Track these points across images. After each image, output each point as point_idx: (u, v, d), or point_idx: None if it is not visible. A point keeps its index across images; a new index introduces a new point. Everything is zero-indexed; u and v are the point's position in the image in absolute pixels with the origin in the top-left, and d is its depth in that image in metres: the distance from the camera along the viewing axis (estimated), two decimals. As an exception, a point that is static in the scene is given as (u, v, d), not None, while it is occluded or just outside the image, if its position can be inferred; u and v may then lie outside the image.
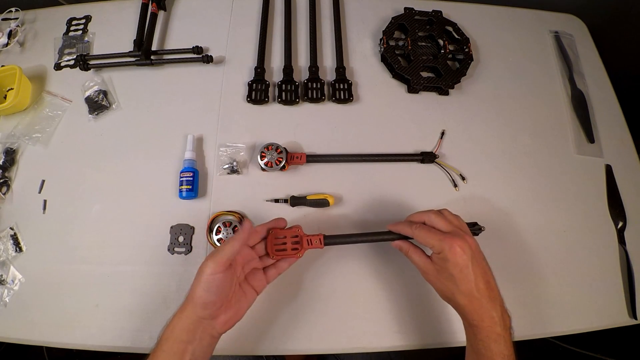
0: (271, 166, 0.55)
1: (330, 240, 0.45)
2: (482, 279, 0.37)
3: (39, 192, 0.56)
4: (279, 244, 0.44)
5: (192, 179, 0.54)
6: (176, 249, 0.52)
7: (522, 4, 0.77)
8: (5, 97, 0.63)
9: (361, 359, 0.99)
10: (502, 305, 0.38)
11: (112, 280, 0.51)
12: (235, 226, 0.52)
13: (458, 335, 0.49)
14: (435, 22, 0.68)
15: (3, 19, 0.70)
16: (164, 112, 0.62)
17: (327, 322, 0.49)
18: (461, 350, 0.42)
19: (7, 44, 0.67)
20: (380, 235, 0.46)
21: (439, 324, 0.50)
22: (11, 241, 0.53)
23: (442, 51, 0.65)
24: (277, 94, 0.62)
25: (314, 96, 0.62)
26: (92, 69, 0.65)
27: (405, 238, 0.45)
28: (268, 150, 0.56)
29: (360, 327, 0.49)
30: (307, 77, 0.63)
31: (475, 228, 0.47)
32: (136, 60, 0.64)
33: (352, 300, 0.51)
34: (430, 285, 0.42)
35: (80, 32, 0.69)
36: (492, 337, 0.36)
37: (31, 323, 0.49)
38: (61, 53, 0.68)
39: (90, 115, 0.61)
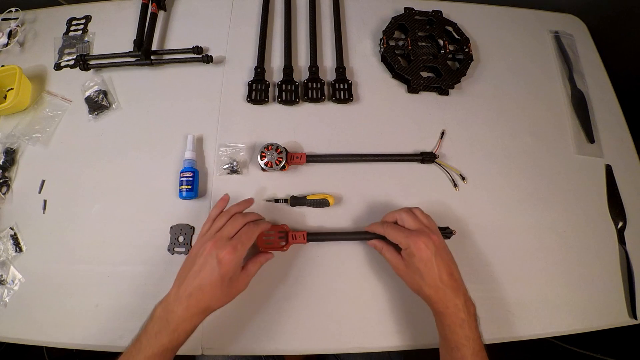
0: (271, 166, 0.55)
1: (314, 237, 0.51)
2: (446, 271, 0.41)
3: (39, 192, 0.56)
4: (268, 238, 0.50)
5: (192, 179, 0.54)
6: (176, 249, 0.52)
7: (522, 4, 0.77)
8: (5, 97, 0.63)
9: (361, 359, 0.99)
10: (465, 294, 0.41)
11: (112, 280, 0.51)
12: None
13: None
14: (435, 22, 0.68)
15: (3, 19, 0.70)
16: (164, 112, 0.62)
17: (327, 322, 0.49)
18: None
19: (7, 44, 0.67)
20: (360, 234, 0.52)
21: (439, 324, 0.50)
22: (11, 241, 0.53)
23: (442, 51, 0.65)
24: (277, 94, 0.62)
25: (314, 96, 0.62)
26: (92, 69, 0.65)
27: (383, 237, 0.48)
28: (268, 150, 0.56)
29: (361, 327, 0.49)
30: (307, 77, 0.63)
31: (446, 232, 0.51)
32: (136, 60, 0.64)
33: (353, 300, 0.51)
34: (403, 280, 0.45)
35: (80, 32, 0.69)
36: (457, 322, 0.39)
37: (31, 323, 0.49)
38: (61, 53, 0.68)
39: (90, 115, 0.61)
